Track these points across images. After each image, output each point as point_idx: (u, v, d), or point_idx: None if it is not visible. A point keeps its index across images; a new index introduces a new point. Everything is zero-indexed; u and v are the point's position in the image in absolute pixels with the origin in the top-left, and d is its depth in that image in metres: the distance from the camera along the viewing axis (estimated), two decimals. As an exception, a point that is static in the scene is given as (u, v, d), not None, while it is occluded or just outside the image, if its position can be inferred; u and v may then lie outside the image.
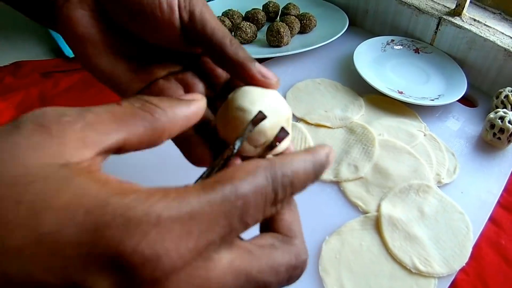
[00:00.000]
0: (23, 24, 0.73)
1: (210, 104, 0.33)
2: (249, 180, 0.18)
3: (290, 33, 0.71)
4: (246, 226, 0.18)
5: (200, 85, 0.32)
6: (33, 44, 0.70)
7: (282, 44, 0.70)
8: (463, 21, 0.70)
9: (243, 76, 0.28)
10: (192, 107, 0.22)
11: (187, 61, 0.32)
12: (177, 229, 0.15)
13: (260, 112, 0.26)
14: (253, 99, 0.27)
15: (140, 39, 0.30)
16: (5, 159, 0.15)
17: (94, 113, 0.18)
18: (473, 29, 0.68)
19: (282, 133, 0.26)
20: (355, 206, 0.50)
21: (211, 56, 0.29)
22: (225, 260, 0.17)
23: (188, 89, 0.32)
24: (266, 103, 0.27)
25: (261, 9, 0.78)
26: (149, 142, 0.20)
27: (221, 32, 0.28)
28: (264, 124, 0.26)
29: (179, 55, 0.32)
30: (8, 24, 0.73)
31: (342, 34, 0.73)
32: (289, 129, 0.28)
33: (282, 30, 0.68)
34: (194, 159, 0.29)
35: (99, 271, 0.14)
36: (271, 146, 0.26)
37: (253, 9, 0.76)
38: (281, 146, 0.27)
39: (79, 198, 0.14)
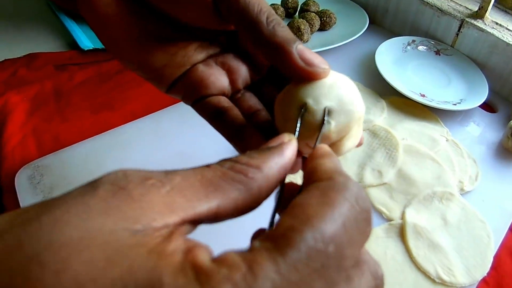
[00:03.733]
0: (37, 16, 0.71)
1: (256, 90, 0.30)
2: (330, 212, 0.15)
3: (310, 30, 0.69)
4: (346, 271, 0.15)
5: (243, 68, 0.29)
6: (47, 37, 0.68)
7: (302, 41, 0.68)
8: (485, 24, 0.69)
9: (281, 63, 0.23)
10: (286, 154, 0.19)
11: (227, 42, 0.29)
12: None
13: (325, 119, 0.22)
14: (318, 93, 0.22)
15: (170, 17, 0.27)
16: (67, 221, 0.13)
17: (182, 176, 0.16)
18: (496, 33, 0.67)
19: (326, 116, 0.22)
20: (379, 212, 0.49)
21: (246, 36, 0.25)
22: None
23: (231, 73, 0.29)
24: (335, 98, 0.22)
25: (280, 4, 0.76)
26: (245, 207, 0.17)
27: (257, 7, 0.24)
28: (329, 128, 0.22)
29: (216, 35, 0.29)
30: (22, 16, 0.71)
31: (362, 33, 0.71)
32: (360, 128, 0.24)
33: (302, 27, 0.66)
34: (243, 151, 0.27)
35: None
36: (318, 133, 0.22)
37: (271, 4, 0.74)
38: (349, 146, 0.24)
39: (132, 273, 0.12)
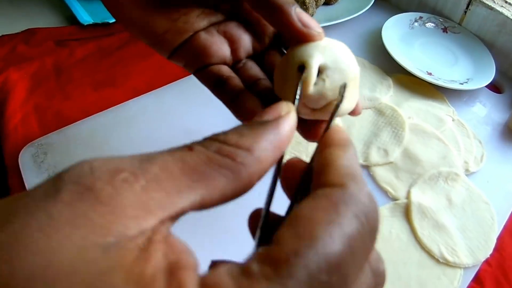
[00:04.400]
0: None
1: (259, 59, 0.30)
2: (337, 234, 0.13)
3: (316, 4, 0.68)
4: (349, 286, 0.14)
5: (246, 37, 0.29)
6: (46, 12, 0.66)
7: (306, 16, 0.67)
8: (494, 2, 0.67)
9: (280, 23, 0.24)
10: (282, 130, 0.17)
11: (230, 10, 0.29)
12: None
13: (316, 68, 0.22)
14: (311, 51, 0.23)
15: None
16: (28, 239, 0.11)
17: (160, 165, 0.14)
18: (505, 11, 0.65)
19: (343, 93, 0.22)
20: (384, 191, 0.49)
21: None
22: None
23: (232, 42, 0.29)
24: (329, 57, 0.23)
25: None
26: (234, 194, 0.15)
27: None
28: (323, 84, 0.22)
29: (220, 2, 0.29)
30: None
31: (368, 7, 0.70)
32: (355, 90, 0.24)
33: (307, 0, 0.65)
34: (244, 114, 0.26)
35: None
36: (334, 109, 0.21)
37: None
38: (344, 108, 0.24)
39: None
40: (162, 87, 0.55)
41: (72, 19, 0.64)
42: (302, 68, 0.23)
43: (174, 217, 0.14)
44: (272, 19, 0.25)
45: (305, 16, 0.24)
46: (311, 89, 0.22)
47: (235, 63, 0.30)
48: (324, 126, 0.22)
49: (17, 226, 0.11)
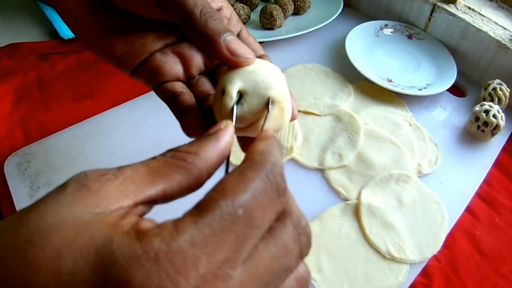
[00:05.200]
0: (18, 5, 0.73)
1: (210, 76, 0.34)
2: (241, 185, 0.18)
3: (284, 15, 0.71)
4: (260, 228, 0.18)
5: (197, 56, 0.33)
6: (28, 26, 0.70)
7: (275, 26, 0.70)
8: (457, 8, 0.70)
9: (211, 52, 0.27)
10: (222, 139, 0.22)
11: (182, 31, 0.32)
12: (180, 259, 0.15)
13: (237, 95, 0.25)
14: (232, 78, 0.26)
15: (125, 11, 0.30)
16: (46, 212, 0.17)
17: (132, 168, 0.19)
18: (467, 18, 0.68)
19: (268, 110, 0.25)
20: (337, 193, 0.52)
21: (184, 27, 0.28)
22: (243, 274, 0.17)
23: (185, 61, 0.32)
24: (250, 82, 0.26)
25: (257, -12, 0.78)
26: (190, 186, 0.20)
27: (192, 1, 0.27)
28: (241, 107, 0.26)
29: (172, 26, 0.32)
30: (2, 5, 0.73)
31: (336, 16, 0.73)
32: (282, 113, 0.27)
33: (275, 12, 0.68)
34: (187, 128, 0.31)
35: None
36: (261, 125, 0.26)
37: (249, -12, 0.76)
38: (272, 127, 0.26)
39: (93, 239, 0.16)
40: (134, 99, 0.60)
41: (53, 33, 0.68)
42: (223, 91, 0.26)
43: (146, 203, 0.19)
44: (205, 48, 0.28)
45: (234, 44, 0.27)
46: (228, 111, 0.26)
47: (189, 80, 0.33)
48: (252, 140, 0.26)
49: (40, 208, 0.17)
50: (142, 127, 0.57)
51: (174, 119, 0.32)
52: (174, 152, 0.20)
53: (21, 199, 0.49)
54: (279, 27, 0.71)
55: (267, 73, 0.27)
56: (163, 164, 0.20)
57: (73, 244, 0.16)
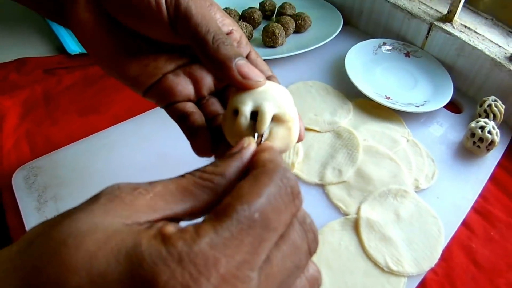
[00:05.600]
0: (26, 21, 0.75)
1: (219, 97, 0.36)
2: (256, 190, 0.19)
3: (285, 33, 0.73)
4: (276, 231, 0.19)
5: (207, 78, 0.34)
6: (35, 41, 0.72)
7: (277, 45, 0.72)
8: (453, 27, 0.72)
9: (223, 76, 0.29)
10: (245, 157, 0.23)
11: (193, 53, 0.33)
12: (201, 260, 0.17)
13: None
14: (244, 99, 0.27)
15: (140, 34, 0.32)
16: (78, 219, 0.18)
17: (162, 185, 0.20)
18: (463, 36, 0.70)
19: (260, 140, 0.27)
20: (337, 208, 0.54)
21: (196, 51, 0.30)
22: (261, 275, 0.18)
23: (196, 82, 0.34)
24: (260, 101, 0.27)
25: (258, 7, 0.80)
26: (214, 204, 0.21)
27: (205, 27, 0.29)
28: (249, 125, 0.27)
29: (185, 48, 0.34)
30: (11, 21, 0.75)
31: (336, 34, 0.75)
32: (289, 133, 0.28)
33: (277, 31, 0.70)
34: (197, 148, 0.32)
35: None
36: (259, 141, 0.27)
37: (249, 8, 0.78)
38: (279, 146, 0.28)
39: (123, 242, 0.17)
40: (140, 115, 0.61)
41: (61, 48, 0.70)
42: (236, 112, 0.28)
43: (173, 219, 0.20)
44: (217, 72, 0.30)
45: (245, 68, 0.28)
46: (241, 129, 0.27)
47: (200, 100, 0.35)
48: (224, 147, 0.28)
49: (74, 216, 0.18)
50: (148, 142, 0.58)
51: (179, 135, 0.33)
52: (201, 173, 0.22)
53: (29, 213, 0.50)
54: (281, 45, 0.73)
55: (276, 94, 0.28)
56: (192, 183, 0.21)
57: (105, 246, 0.17)
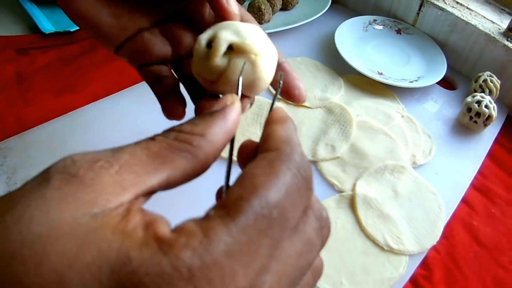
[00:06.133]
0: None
1: None
2: (274, 182, 0.16)
3: (272, 10, 0.70)
4: (291, 228, 0.17)
5: (188, 36, 0.31)
6: (6, 21, 0.67)
7: (263, 21, 0.69)
8: (445, 3, 0.70)
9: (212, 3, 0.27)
10: (229, 118, 0.20)
11: (172, 9, 0.31)
12: (217, 275, 0.13)
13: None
14: (220, 28, 0.25)
15: None
16: (30, 216, 0.14)
17: (129, 153, 0.16)
18: (455, 12, 0.68)
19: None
20: (331, 185, 0.51)
21: None
22: (273, 276, 0.16)
23: (175, 41, 0.31)
24: (216, 30, 0.25)
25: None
26: (194, 173, 0.18)
27: None
28: (211, 56, 0.24)
29: (162, 2, 0.31)
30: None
31: (324, 12, 0.73)
32: (250, 56, 0.24)
33: (263, 7, 0.67)
34: (168, 111, 0.30)
35: None
36: (275, 94, 0.25)
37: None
38: (247, 77, 0.24)
39: (102, 255, 0.13)
40: (117, 93, 0.57)
41: (34, 28, 0.66)
42: (209, 44, 0.25)
43: (147, 194, 0.16)
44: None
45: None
46: (199, 56, 0.24)
47: (180, 59, 0.32)
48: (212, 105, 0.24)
49: (20, 209, 0.14)
50: (125, 120, 0.55)
51: (157, 112, 0.31)
52: (177, 134, 0.18)
53: (-4, 195, 0.46)
54: (267, 21, 0.70)
55: (240, 25, 0.25)
56: (166, 147, 0.17)
57: (78, 263, 0.13)
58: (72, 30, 0.65)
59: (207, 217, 0.15)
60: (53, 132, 0.52)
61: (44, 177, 0.15)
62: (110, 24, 0.29)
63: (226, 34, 0.24)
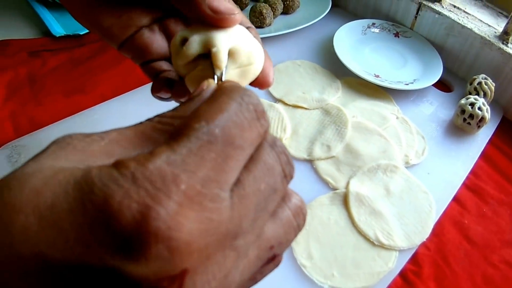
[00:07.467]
0: (9, 4, 0.74)
1: None
2: (214, 107, 0.18)
3: (273, 14, 0.73)
4: (242, 149, 0.18)
5: None
6: (19, 24, 0.70)
7: (264, 25, 0.71)
8: (442, 7, 0.72)
9: (192, 15, 0.27)
10: (204, 97, 0.21)
11: (169, 6, 0.32)
12: (157, 177, 0.15)
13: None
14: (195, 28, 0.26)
15: None
16: (24, 166, 0.16)
17: (118, 132, 0.19)
18: (452, 15, 0.70)
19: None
20: (325, 183, 0.53)
21: None
22: (234, 197, 0.17)
23: (171, 37, 0.33)
24: (197, 36, 0.25)
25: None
26: None
27: None
28: (186, 44, 0.25)
29: (160, 1, 0.33)
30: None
31: (325, 15, 0.75)
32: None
33: (264, 11, 0.70)
34: (152, 89, 0.33)
35: (93, 235, 0.15)
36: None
37: (238, -12, 0.77)
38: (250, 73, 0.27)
39: (72, 173, 0.16)
40: (125, 94, 0.60)
41: (45, 32, 0.69)
42: (184, 41, 0.26)
43: None
44: (184, 8, 0.28)
45: (215, 2, 0.26)
46: (184, 61, 0.26)
47: None
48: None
49: (16, 170, 0.17)
50: (132, 120, 0.56)
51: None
52: (160, 118, 0.20)
53: (11, 190, 0.49)
54: (269, 25, 0.72)
55: (220, 35, 0.26)
56: (150, 128, 0.19)
57: (52, 181, 0.15)
58: (81, 33, 0.68)
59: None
60: (63, 131, 0.54)
61: (45, 148, 0.18)
62: (110, 23, 0.32)
63: (196, 39, 0.25)
